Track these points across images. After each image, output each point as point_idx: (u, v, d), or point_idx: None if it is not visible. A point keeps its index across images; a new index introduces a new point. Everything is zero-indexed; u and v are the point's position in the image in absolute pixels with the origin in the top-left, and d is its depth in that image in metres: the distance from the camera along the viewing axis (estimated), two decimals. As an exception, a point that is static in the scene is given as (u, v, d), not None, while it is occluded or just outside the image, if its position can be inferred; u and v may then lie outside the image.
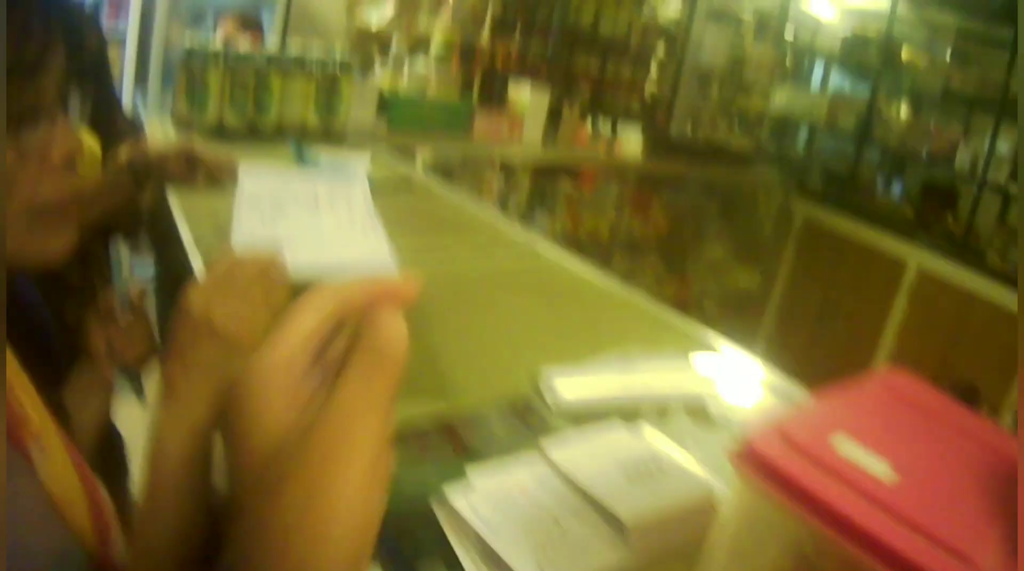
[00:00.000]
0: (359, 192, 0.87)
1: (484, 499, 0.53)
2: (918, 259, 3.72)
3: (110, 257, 1.72)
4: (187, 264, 0.90)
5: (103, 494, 0.59)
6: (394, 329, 0.39)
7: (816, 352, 3.83)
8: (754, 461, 0.37)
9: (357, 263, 0.69)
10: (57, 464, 0.54)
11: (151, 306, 0.88)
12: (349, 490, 0.35)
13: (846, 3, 4.39)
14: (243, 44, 1.85)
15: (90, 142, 1.67)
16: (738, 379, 0.83)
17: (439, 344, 0.75)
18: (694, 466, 0.62)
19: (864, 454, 0.38)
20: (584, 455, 0.60)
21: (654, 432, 0.67)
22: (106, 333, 0.86)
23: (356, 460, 0.37)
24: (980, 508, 0.36)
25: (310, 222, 0.78)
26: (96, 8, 2.12)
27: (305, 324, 0.40)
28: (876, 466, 0.38)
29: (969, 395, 3.11)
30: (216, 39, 1.76)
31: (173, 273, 0.89)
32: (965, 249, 3.77)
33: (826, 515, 0.34)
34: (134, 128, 1.96)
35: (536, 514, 0.53)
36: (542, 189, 3.17)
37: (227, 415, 0.44)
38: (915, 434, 0.42)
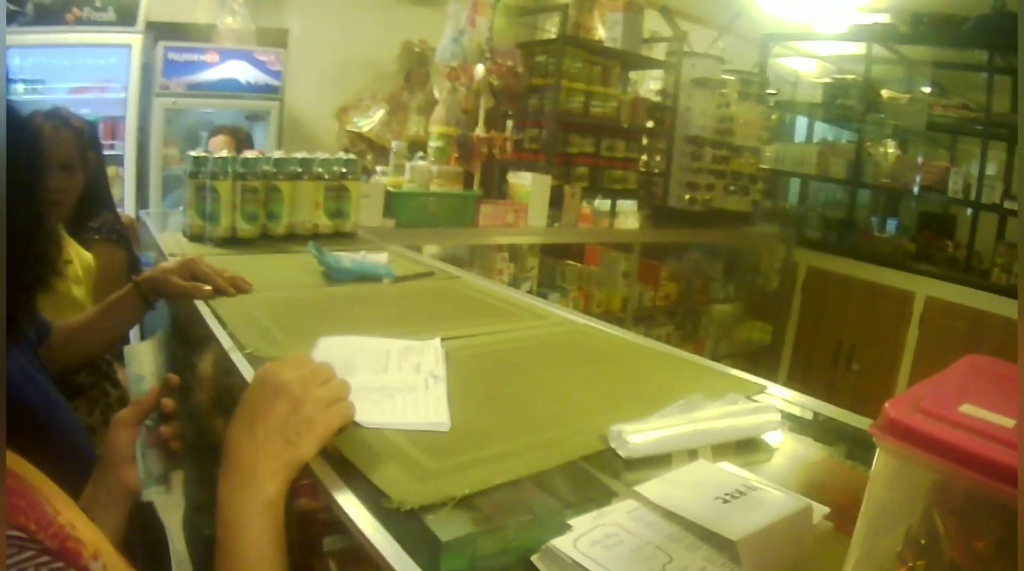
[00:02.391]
0: (431, 353, 0.90)
1: (589, 544, 0.54)
2: (924, 288, 3.76)
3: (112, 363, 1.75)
4: (224, 359, 0.92)
5: None
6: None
7: (836, 392, 3.85)
8: (896, 430, 0.44)
9: (409, 424, 0.72)
10: None
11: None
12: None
13: (822, 52, 4.51)
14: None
15: (85, 256, 1.69)
16: (790, 412, 0.89)
17: (501, 415, 0.78)
18: (780, 488, 0.63)
19: (987, 413, 0.45)
20: (674, 488, 0.62)
21: (730, 465, 0.70)
22: (133, 436, 0.86)
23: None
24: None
25: (375, 380, 0.81)
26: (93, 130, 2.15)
27: None
28: (1001, 420, 0.44)
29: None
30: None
31: (190, 374, 0.90)
32: (969, 271, 3.82)
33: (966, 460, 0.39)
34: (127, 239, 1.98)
35: (642, 548, 0.54)
36: (551, 270, 3.25)
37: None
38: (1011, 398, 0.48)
